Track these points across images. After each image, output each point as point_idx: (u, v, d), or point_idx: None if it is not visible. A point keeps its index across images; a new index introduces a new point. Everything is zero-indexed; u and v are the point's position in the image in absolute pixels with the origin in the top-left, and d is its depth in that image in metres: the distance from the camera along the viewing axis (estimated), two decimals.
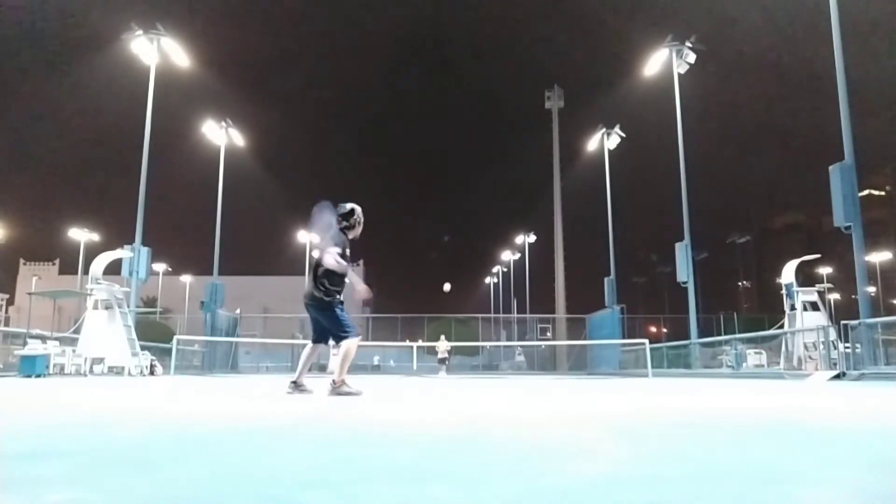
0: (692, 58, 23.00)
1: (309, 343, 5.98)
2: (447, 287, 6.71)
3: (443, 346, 23.23)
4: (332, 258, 5.45)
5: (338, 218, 5.76)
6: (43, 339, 14.03)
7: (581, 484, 1.41)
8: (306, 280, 5.83)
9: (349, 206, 5.81)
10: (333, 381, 5.48)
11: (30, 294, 20.77)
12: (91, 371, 14.80)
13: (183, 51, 22.09)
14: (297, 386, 5.69)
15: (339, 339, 5.68)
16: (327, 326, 5.72)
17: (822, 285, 23.20)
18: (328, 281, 5.60)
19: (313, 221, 5.83)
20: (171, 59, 22.00)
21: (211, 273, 27.77)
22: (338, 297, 5.67)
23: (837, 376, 12.14)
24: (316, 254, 5.70)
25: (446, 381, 12.55)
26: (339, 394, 5.36)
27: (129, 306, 17.43)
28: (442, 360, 23.11)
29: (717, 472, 1.60)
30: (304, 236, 46.91)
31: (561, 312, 43.64)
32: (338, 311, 5.65)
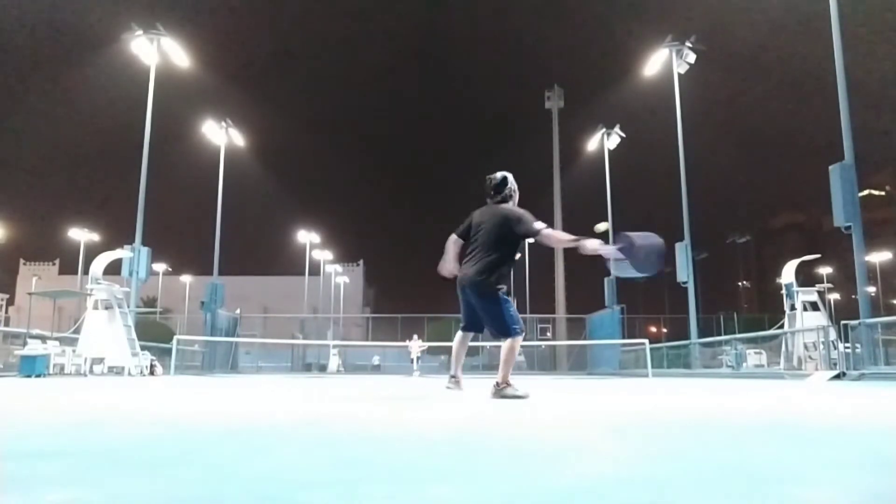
0: (692, 58, 23.00)
1: (459, 332, 5.41)
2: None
3: (415, 345, 23.18)
4: (552, 231, 5.04)
5: (501, 191, 5.20)
6: (43, 339, 14.02)
7: (581, 484, 1.41)
8: (470, 262, 5.08)
9: (500, 175, 5.26)
10: (497, 382, 4.95)
11: (30, 294, 20.77)
12: (91, 371, 14.80)
13: (183, 51, 22.09)
14: (455, 381, 5.34)
15: (503, 335, 5.05)
16: (488, 318, 5.08)
17: (822, 285, 23.22)
18: (502, 267, 5.04)
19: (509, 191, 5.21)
20: (171, 59, 22.00)
21: (211, 273, 27.76)
22: (504, 287, 5.10)
23: (837, 376, 12.14)
24: (488, 230, 5.04)
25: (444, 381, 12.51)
26: (504, 396, 4.84)
27: (129, 306, 17.43)
28: (414, 360, 23.06)
29: (717, 472, 1.59)
30: (303, 236, 46.98)
31: (561, 312, 43.64)
32: (504, 302, 5.05)
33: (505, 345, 5.03)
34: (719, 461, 1.79)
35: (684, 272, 22.23)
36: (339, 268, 58.89)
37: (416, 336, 24.18)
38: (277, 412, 3.67)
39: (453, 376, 5.32)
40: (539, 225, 4.96)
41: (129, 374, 15.14)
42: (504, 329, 4.98)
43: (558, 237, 5.15)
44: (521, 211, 5.11)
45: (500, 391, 4.86)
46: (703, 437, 2.49)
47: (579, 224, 52.06)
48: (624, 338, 27.50)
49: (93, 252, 30.21)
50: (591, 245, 4.86)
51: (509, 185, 5.23)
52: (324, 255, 52.03)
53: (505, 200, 5.19)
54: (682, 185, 22.85)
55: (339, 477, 1.50)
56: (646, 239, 4.86)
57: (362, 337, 42.28)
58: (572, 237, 4.95)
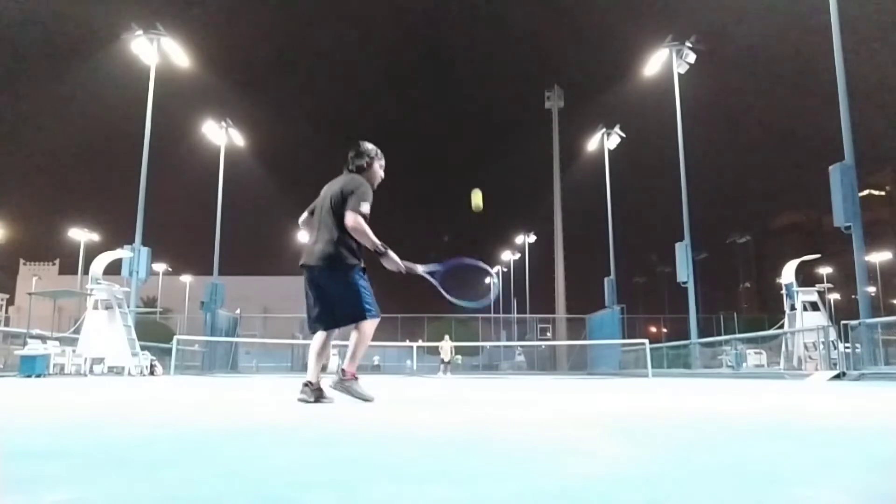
0: (692, 58, 23.01)
1: (317, 334, 4.34)
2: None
3: (446, 346, 23.14)
4: (356, 218, 4.13)
5: (351, 160, 4.45)
6: (43, 339, 14.03)
7: (581, 484, 1.41)
8: (312, 235, 4.35)
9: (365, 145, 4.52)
10: (343, 370, 4.24)
11: (30, 294, 20.75)
12: (91, 371, 14.81)
13: (183, 51, 22.09)
14: (313, 389, 4.25)
15: (355, 319, 4.20)
16: (339, 301, 4.20)
17: (822, 285, 23.18)
18: (350, 241, 4.19)
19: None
20: (171, 59, 22.01)
21: (211, 273, 27.78)
22: (361, 261, 4.27)
23: (837, 376, 12.15)
24: (344, 201, 4.19)
25: (445, 382, 12.56)
26: (348, 391, 4.22)
27: (129, 306, 17.44)
28: (445, 362, 22.91)
29: (717, 472, 1.59)
30: (303, 236, 46.97)
31: (561, 312, 43.66)
32: (359, 279, 4.21)
33: (360, 329, 4.24)
34: (719, 461, 1.79)
35: (684, 272, 22.24)
36: None
37: (446, 337, 24.00)
38: (277, 412, 3.66)
39: (309, 383, 4.25)
40: (364, 208, 4.15)
41: (129, 374, 15.14)
42: (357, 312, 4.19)
43: (368, 234, 4.17)
44: (362, 181, 4.30)
45: (346, 385, 4.24)
46: (703, 437, 2.49)
47: (579, 224, 52.09)
48: (624, 338, 27.50)
49: (93, 252, 30.26)
50: (401, 262, 4.32)
51: (363, 151, 4.48)
52: None
53: (360, 169, 4.43)
54: (683, 184, 22.86)
55: (339, 477, 1.50)
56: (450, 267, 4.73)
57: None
58: (380, 242, 4.21)
